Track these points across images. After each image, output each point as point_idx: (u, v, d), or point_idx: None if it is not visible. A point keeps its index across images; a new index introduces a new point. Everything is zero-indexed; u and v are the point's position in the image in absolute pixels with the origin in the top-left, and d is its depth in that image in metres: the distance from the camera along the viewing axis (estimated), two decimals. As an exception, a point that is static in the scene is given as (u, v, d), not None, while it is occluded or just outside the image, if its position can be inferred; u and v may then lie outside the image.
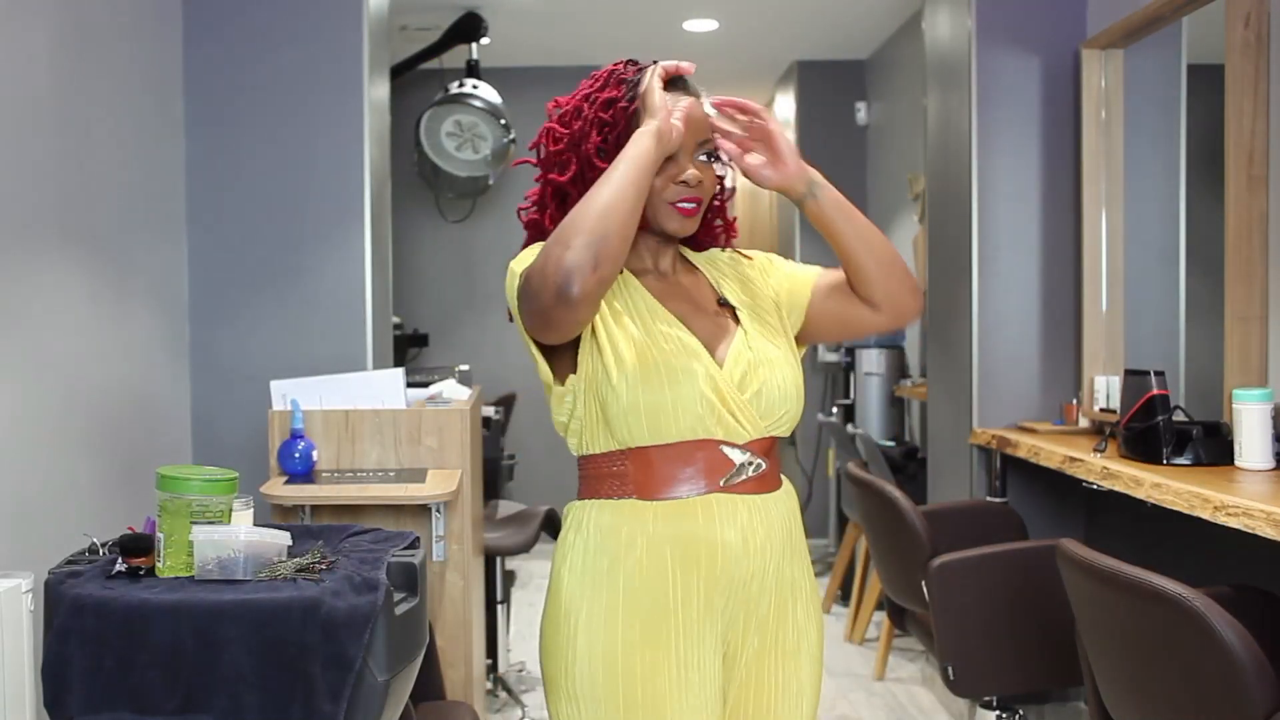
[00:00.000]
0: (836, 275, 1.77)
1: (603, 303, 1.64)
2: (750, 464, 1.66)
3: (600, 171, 1.61)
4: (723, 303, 1.75)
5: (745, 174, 1.70)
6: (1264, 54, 2.84)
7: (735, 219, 1.85)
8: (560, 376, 1.67)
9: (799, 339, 1.79)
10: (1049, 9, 3.75)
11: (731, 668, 1.70)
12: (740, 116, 1.70)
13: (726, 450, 1.65)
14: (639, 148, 1.58)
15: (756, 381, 1.67)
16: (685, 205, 1.66)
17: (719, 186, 1.75)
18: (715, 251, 1.84)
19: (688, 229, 1.70)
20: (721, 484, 1.65)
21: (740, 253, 1.85)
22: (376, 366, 3.67)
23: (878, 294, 1.70)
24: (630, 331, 1.64)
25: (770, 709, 1.71)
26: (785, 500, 1.74)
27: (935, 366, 4.17)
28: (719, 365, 1.66)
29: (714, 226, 1.82)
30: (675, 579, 1.62)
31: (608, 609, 1.62)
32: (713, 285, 1.78)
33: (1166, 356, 3.39)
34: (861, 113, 6.35)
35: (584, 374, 1.66)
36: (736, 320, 1.74)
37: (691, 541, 1.63)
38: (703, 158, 1.68)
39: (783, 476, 1.76)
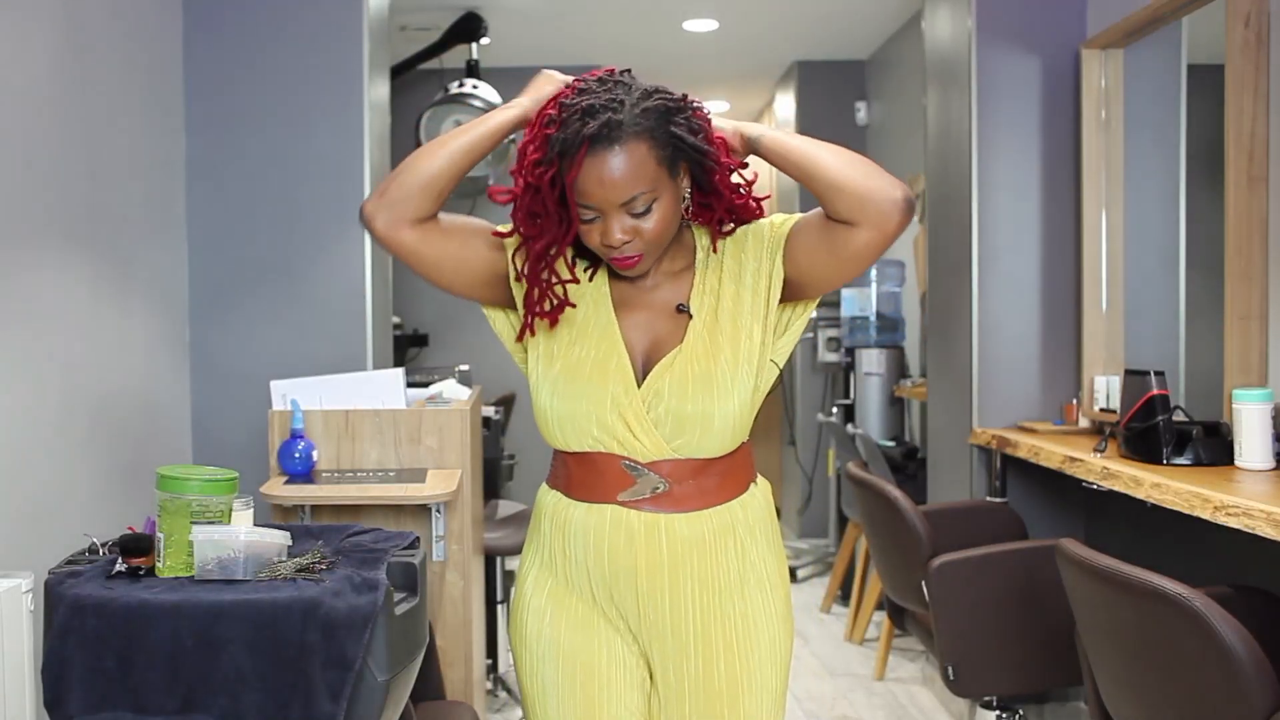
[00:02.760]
0: (816, 210, 1.70)
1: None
2: (651, 483, 1.70)
3: (527, 234, 1.68)
4: (681, 308, 1.73)
5: None
6: (1264, 54, 2.84)
7: (757, 203, 1.75)
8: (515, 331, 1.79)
9: (801, 291, 1.73)
10: (1049, 9, 3.75)
11: (654, 664, 1.77)
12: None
13: (627, 466, 1.70)
14: (499, 115, 1.69)
15: (664, 403, 1.68)
16: (620, 261, 1.66)
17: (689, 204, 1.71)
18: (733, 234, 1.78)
19: (635, 274, 1.70)
20: (618, 498, 1.71)
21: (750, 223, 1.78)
22: (376, 366, 3.67)
23: (839, 207, 1.60)
24: (565, 339, 1.72)
25: (691, 711, 1.75)
26: (709, 520, 1.72)
27: (935, 366, 4.17)
28: (639, 382, 1.69)
29: (735, 220, 1.76)
30: (574, 567, 1.75)
31: (537, 573, 1.80)
32: (695, 281, 1.74)
33: (1166, 356, 3.39)
34: (861, 113, 6.36)
35: (531, 353, 1.76)
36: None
37: (584, 543, 1.73)
38: (637, 208, 1.61)
39: (735, 502, 1.74)
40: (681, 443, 1.69)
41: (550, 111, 1.61)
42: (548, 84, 1.68)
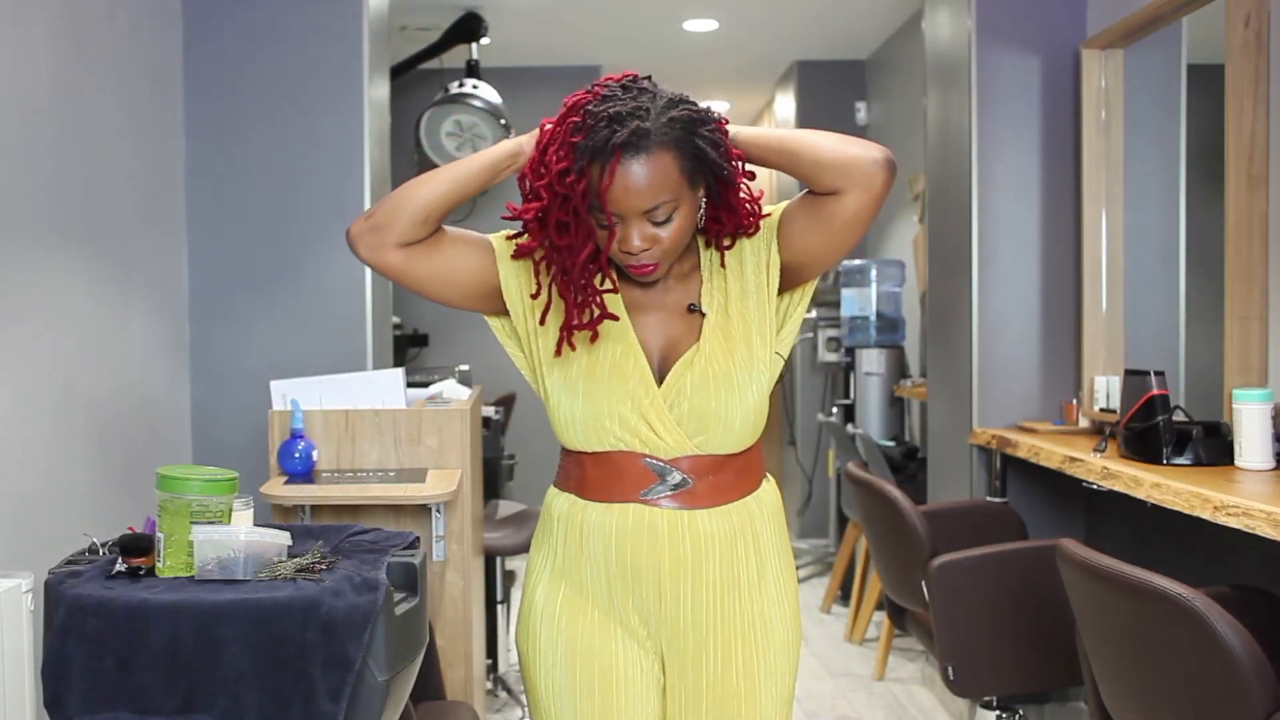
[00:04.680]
0: (799, 195, 1.73)
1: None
2: (674, 479, 1.71)
3: (558, 248, 1.65)
4: (693, 308, 1.74)
5: None
6: (1264, 54, 2.84)
7: (749, 214, 1.73)
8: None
9: (801, 273, 1.74)
10: (1049, 9, 3.75)
11: (670, 663, 1.76)
12: None
13: (649, 463, 1.71)
14: (494, 151, 1.70)
15: (688, 401, 1.69)
16: (636, 268, 1.66)
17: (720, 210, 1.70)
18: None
19: (652, 279, 1.69)
20: (640, 496, 1.71)
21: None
22: (376, 366, 3.67)
23: (824, 179, 1.63)
24: (579, 340, 1.70)
25: (708, 709, 1.75)
26: (729, 515, 1.73)
27: (935, 366, 4.17)
28: (659, 381, 1.70)
29: (735, 235, 1.75)
30: (589, 569, 1.75)
31: (549, 576, 1.79)
32: (703, 280, 1.76)
33: (1166, 356, 3.39)
34: (861, 113, 6.36)
35: (534, 361, 1.76)
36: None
37: (604, 543, 1.73)
38: (658, 217, 1.61)
39: (751, 498, 1.76)
40: (704, 439, 1.70)
41: (574, 120, 1.59)
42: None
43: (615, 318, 1.70)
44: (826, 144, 1.64)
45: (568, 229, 1.62)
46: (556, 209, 1.61)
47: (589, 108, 1.58)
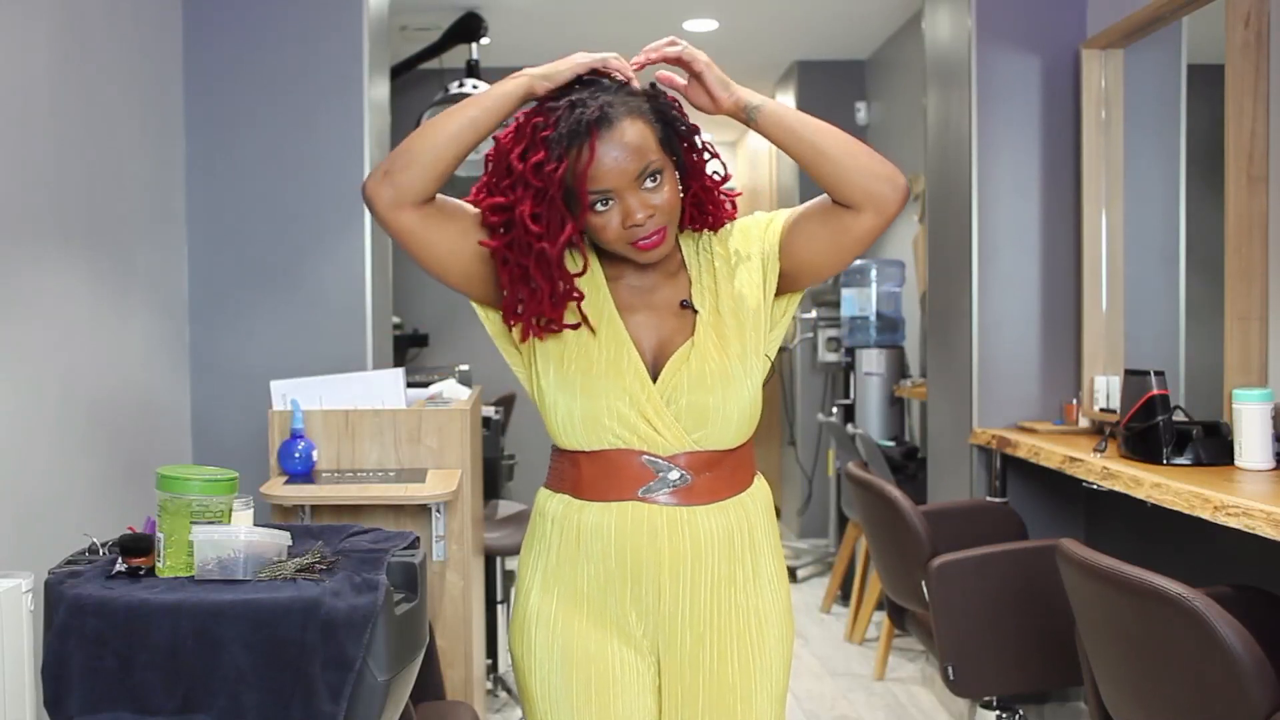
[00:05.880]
0: (813, 201, 1.74)
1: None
2: (673, 476, 1.71)
3: (534, 237, 1.62)
4: (685, 304, 1.74)
5: (690, 104, 1.71)
6: (1264, 54, 2.84)
7: (730, 200, 1.79)
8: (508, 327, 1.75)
9: (795, 282, 1.76)
10: (1049, 9, 3.75)
11: (666, 662, 1.76)
12: (667, 62, 1.69)
13: (648, 461, 1.70)
14: (501, 87, 1.64)
15: (684, 397, 1.69)
16: (645, 241, 1.65)
17: (709, 180, 1.74)
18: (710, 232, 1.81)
19: (659, 255, 1.68)
20: (639, 494, 1.71)
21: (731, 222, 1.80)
22: (376, 366, 3.67)
23: (847, 191, 1.65)
24: (574, 341, 1.71)
25: (703, 707, 1.75)
26: (726, 512, 1.74)
27: (935, 366, 4.17)
28: (654, 378, 1.71)
29: (706, 211, 1.77)
30: (586, 570, 1.73)
31: (543, 579, 1.77)
32: (691, 279, 1.77)
33: (1166, 356, 3.39)
34: (861, 113, 6.36)
35: (528, 360, 1.76)
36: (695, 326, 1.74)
37: (603, 542, 1.72)
38: (649, 183, 1.63)
39: (745, 495, 1.76)
40: (702, 435, 1.71)
41: (537, 119, 1.61)
42: (564, 64, 1.65)
43: (581, 296, 1.69)
44: (859, 159, 1.65)
45: (540, 219, 1.62)
46: (530, 203, 1.61)
47: (549, 104, 1.62)
